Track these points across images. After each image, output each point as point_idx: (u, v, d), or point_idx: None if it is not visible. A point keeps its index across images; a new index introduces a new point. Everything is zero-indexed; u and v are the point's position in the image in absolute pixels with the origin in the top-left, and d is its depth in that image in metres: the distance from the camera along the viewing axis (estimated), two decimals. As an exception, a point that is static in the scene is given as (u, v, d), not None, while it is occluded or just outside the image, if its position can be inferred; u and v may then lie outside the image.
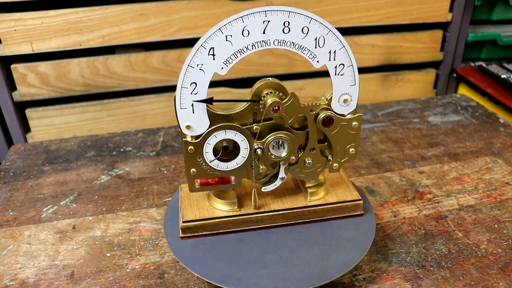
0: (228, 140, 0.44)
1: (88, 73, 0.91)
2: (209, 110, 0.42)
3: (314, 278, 0.42)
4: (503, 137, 0.72)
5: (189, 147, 0.43)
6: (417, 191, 0.59)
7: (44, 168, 0.66)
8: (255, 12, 0.39)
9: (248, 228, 0.47)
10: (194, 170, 0.44)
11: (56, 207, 0.57)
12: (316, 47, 0.42)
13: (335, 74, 0.43)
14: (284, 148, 0.46)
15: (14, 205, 0.57)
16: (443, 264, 0.47)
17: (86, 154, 0.69)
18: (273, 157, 0.45)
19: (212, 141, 0.43)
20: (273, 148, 0.45)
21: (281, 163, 0.46)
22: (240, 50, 0.41)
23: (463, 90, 1.07)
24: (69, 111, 0.94)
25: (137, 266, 0.47)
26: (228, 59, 0.41)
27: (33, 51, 0.86)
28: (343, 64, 0.43)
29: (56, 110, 0.93)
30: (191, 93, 0.41)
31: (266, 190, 0.48)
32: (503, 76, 0.98)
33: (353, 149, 0.47)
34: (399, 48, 1.04)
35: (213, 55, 0.40)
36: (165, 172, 0.64)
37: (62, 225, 0.54)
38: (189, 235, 0.46)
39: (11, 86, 0.90)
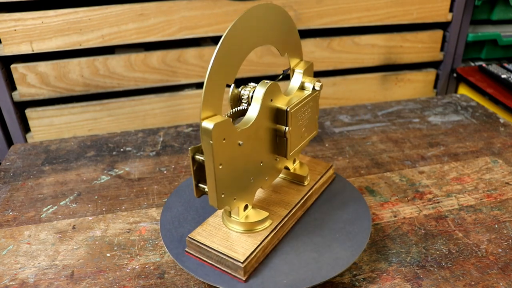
0: None
1: (88, 73, 0.91)
2: None
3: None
4: (503, 137, 0.72)
5: None
6: (417, 191, 0.59)
7: (44, 168, 0.66)
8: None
9: None
10: None
11: (56, 207, 0.57)
12: None
13: None
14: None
15: (14, 205, 0.57)
16: (443, 264, 0.47)
17: (86, 154, 0.69)
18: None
19: None
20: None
21: None
22: None
23: (463, 90, 1.07)
24: (69, 111, 0.94)
25: (137, 266, 0.47)
26: None
27: (33, 51, 0.86)
28: None
29: (56, 110, 0.93)
30: None
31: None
32: (503, 76, 0.98)
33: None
34: (399, 48, 1.04)
35: None
36: (165, 172, 0.64)
37: (62, 225, 0.54)
38: None
39: (11, 86, 0.90)
